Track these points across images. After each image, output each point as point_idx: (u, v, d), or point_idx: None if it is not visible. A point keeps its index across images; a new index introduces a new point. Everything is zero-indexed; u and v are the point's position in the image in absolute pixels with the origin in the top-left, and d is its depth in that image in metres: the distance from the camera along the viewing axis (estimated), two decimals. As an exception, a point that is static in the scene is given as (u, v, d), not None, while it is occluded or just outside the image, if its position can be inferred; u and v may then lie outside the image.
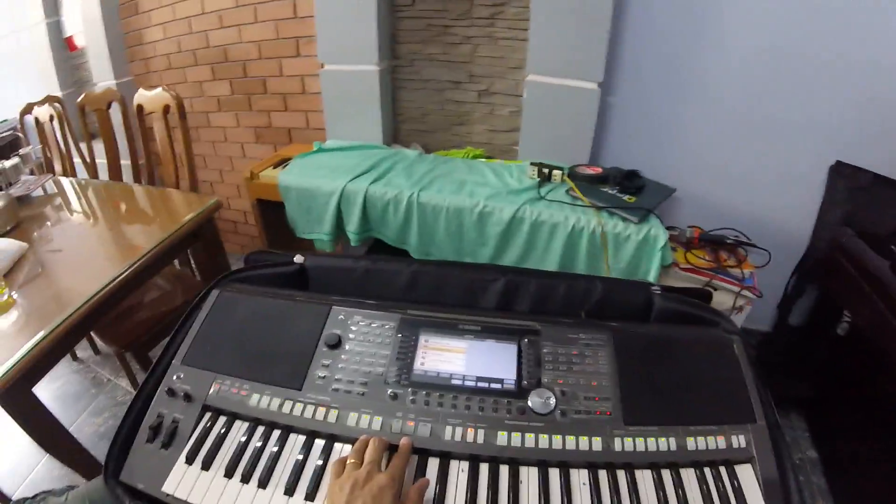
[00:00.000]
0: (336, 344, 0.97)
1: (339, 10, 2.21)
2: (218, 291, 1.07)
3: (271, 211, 2.29)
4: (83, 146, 2.49)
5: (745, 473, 0.84)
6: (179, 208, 1.87)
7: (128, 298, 1.60)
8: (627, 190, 1.95)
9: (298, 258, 1.22)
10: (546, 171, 2.03)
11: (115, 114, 2.31)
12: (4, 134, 3.28)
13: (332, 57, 2.36)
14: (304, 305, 1.05)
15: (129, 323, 1.91)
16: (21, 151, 2.22)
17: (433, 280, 1.17)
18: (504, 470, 0.82)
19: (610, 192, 1.95)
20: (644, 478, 0.83)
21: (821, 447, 2.09)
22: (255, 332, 1.00)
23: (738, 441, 0.86)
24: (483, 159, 2.35)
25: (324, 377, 0.92)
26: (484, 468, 0.83)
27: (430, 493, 0.79)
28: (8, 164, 2.07)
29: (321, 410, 0.88)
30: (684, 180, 2.25)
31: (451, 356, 0.94)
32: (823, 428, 2.12)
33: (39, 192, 2.08)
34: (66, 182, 2.23)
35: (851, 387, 1.99)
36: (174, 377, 0.94)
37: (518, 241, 1.88)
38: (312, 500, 0.79)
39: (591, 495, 0.80)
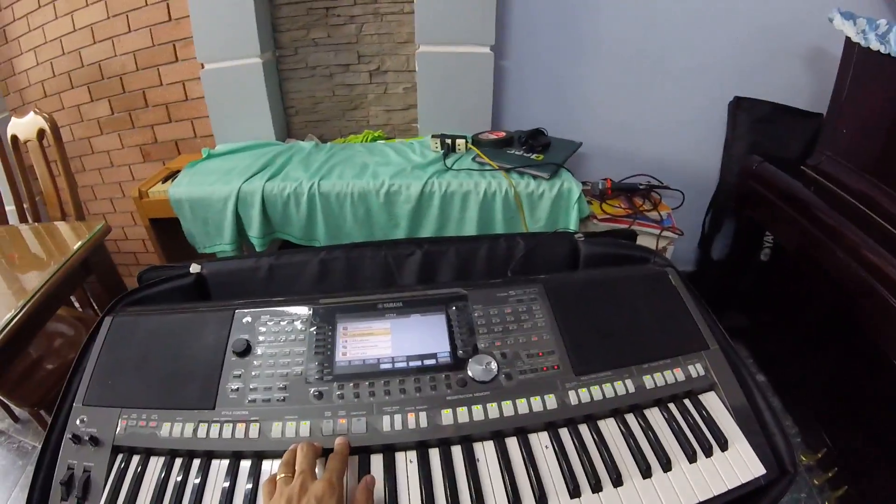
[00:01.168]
0: (245, 350, 0.85)
1: (214, 4, 2.07)
2: (111, 318, 0.93)
3: (168, 230, 2.11)
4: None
5: (711, 401, 0.81)
6: (67, 240, 1.70)
7: (29, 351, 1.46)
8: (534, 149, 1.91)
9: (195, 267, 1.10)
10: (449, 141, 1.97)
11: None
12: None
13: (212, 55, 2.20)
14: (205, 315, 0.92)
15: (36, 378, 1.72)
16: None
17: (345, 265, 1.08)
18: (457, 451, 0.74)
19: (517, 153, 1.91)
20: (609, 427, 0.78)
21: (767, 370, 2.14)
22: (157, 354, 0.87)
23: (696, 370, 0.83)
24: (383, 141, 2.25)
25: (237, 389, 0.80)
26: (434, 454, 0.74)
27: (380, 491, 0.70)
28: None
29: (240, 427, 0.76)
30: (589, 134, 2.25)
31: (375, 339, 0.85)
32: (765, 351, 2.18)
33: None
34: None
35: (783, 307, 2.04)
36: (77, 421, 0.80)
37: (431, 216, 1.81)
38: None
39: (557, 457, 0.73)
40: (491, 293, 0.91)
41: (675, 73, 2.24)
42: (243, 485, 0.72)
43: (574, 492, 0.69)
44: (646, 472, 0.72)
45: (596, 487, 0.70)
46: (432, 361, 0.82)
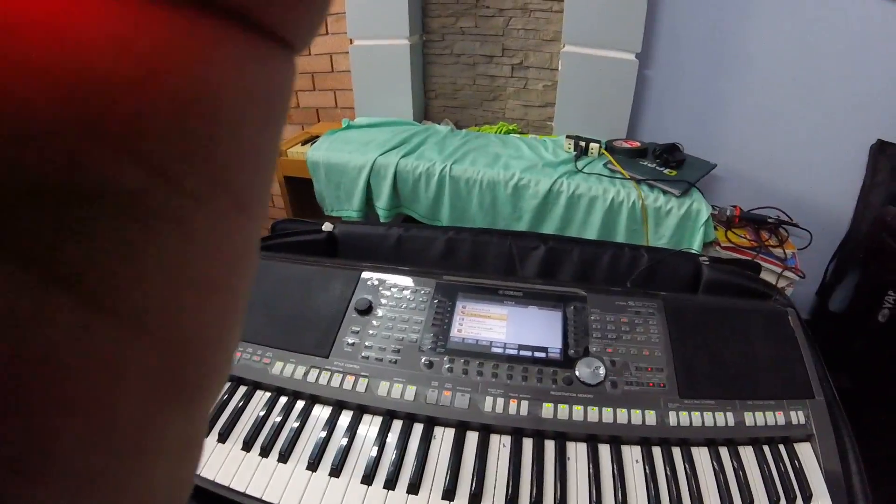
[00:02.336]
0: (367, 309, 0.91)
1: (370, -17, 2.16)
2: (241, 259, 1.03)
3: (299, 188, 2.26)
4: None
5: (805, 451, 0.79)
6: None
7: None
8: (668, 164, 1.87)
9: (327, 226, 1.19)
10: (583, 144, 1.96)
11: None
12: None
13: (362, 32, 2.30)
14: (333, 271, 0.99)
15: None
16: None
17: (470, 248, 1.12)
18: (550, 445, 0.77)
19: (649, 165, 1.87)
20: (701, 455, 0.77)
21: (861, 438, 1.99)
22: (281, 298, 0.94)
23: (797, 417, 0.80)
24: (517, 134, 2.28)
25: (353, 344, 0.86)
26: (528, 443, 0.77)
27: (469, 469, 0.74)
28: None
29: (349, 379, 0.82)
30: (723, 157, 2.16)
31: (491, 323, 0.89)
32: (865, 418, 2.02)
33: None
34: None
35: (892, 377, 1.89)
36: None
37: (555, 215, 1.82)
38: (338, 475, 0.73)
39: (645, 474, 0.74)
40: (610, 300, 0.92)
41: (824, 105, 2.09)
42: (339, 439, 0.76)
43: (657, 511, 0.70)
44: (727, 509, 0.71)
45: (679, 512, 0.70)
46: (542, 354, 0.84)
